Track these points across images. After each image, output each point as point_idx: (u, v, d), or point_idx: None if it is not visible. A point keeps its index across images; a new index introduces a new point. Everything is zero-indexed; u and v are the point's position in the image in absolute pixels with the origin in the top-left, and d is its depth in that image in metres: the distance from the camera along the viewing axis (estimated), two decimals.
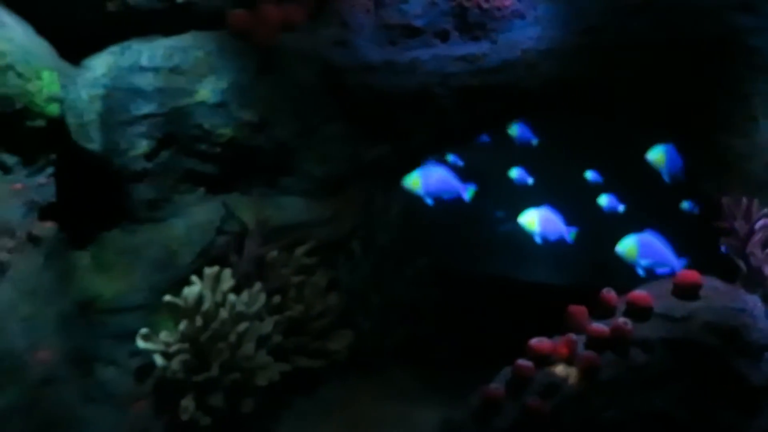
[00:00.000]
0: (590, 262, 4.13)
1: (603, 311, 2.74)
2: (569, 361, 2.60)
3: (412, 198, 3.55)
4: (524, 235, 3.71)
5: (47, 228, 2.72)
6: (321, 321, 3.04)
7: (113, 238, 2.80)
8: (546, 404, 2.52)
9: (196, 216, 2.87)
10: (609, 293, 2.75)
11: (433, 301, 3.48)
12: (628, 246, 3.29)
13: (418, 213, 3.59)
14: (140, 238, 2.77)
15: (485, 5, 3.16)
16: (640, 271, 3.28)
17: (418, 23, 3.17)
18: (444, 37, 3.22)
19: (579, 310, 2.74)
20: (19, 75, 2.36)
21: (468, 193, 3.71)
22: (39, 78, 2.44)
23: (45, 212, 2.72)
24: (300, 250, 3.05)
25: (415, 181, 3.58)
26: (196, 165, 2.84)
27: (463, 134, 3.46)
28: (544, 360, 2.62)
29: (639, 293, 2.71)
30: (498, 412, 2.55)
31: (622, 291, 2.72)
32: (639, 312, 2.66)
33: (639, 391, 2.59)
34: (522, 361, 2.60)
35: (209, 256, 2.86)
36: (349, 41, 3.13)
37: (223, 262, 2.85)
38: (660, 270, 3.30)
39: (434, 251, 3.55)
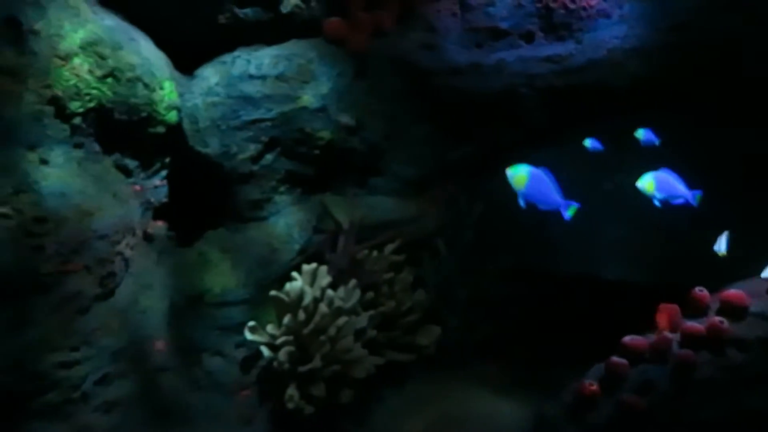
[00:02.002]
0: (670, 261, 4.08)
1: (694, 310, 2.73)
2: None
3: (496, 196, 3.59)
4: (605, 233, 3.71)
5: (159, 227, 2.91)
6: (410, 317, 3.14)
7: (219, 236, 2.97)
8: (642, 401, 2.55)
9: (295, 215, 3.01)
10: (701, 292, 2.75)
11: (516, 298, 3.53)
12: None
13: (501, 212, 3.64)
14: (244, 236, 2.93)
15: (571, 5, 3.18)
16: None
17: (503, 25, 3.22)
18: (529, 38, 3.26)
19: (671, 309, 2.75)
20: (146, 86, 2.54)
21: (570, 210, 3.37)
22: (161, 88, 2.62)
23: (157, 212, 2.91)
24: (389, 248, 3.15)
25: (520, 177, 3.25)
26: (295, 167, 2.98)
27: (548, 134, 3.49)
28: (638, 357, 2.65)
29: (734, 292, 2.69)
30: (593, 409, 2.59)
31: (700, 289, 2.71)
32: (733, 311, 2.65)
33: (736, 391, 2.58)
34: (616, 358, 2.63)
35: (306, 253, 3.00)
36: (436, 45, 3.21)
37: (318, 259, 2.99)
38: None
39: (517, 249, 3.60)
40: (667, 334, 2.65)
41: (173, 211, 2.97)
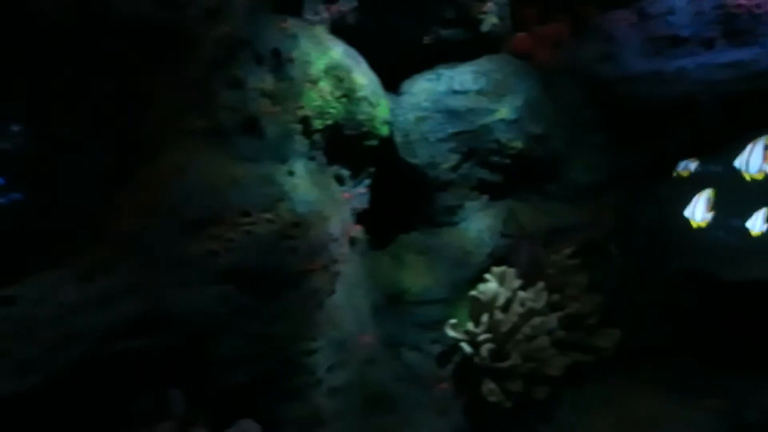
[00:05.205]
0: None
1: None
2: None
3: (668, 202, 3.62)
4: None
5: (358, 231, 3.18)
6: (591, 319, 3.23)
7: (412, 240, 3.19)
8: None
9: (483, 220, 3.19)
10: None
11: (690, 303, 3.53)
12: None
13: (673, 217, 3.66)
14: (440, 240, 3.14)
15: (756, 11, 3.18)
16: None
17: (684, 33, 3.25)
18: (708, 45, 3.28)
19: None
20: (370, 103, 2.79)
21: None
22: (379, 105, 2.86)
23: (358, 217, 3.17)
24: (566, 252, 3.27)
25: None
26: (486, 175, 3.16)
27: (723, 140, 3.48)
28: None
29: None
30: None
31: None
32: None
33: None
34: None
35: (494, 256, 3.17)
36: (615, 54, 3.29)
37: (505, 262, 3.16)
38: None
39: (689, 255, 3.59)
40: None
41: (368, 217, 3.22)
